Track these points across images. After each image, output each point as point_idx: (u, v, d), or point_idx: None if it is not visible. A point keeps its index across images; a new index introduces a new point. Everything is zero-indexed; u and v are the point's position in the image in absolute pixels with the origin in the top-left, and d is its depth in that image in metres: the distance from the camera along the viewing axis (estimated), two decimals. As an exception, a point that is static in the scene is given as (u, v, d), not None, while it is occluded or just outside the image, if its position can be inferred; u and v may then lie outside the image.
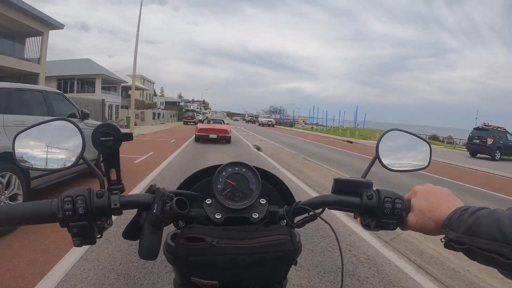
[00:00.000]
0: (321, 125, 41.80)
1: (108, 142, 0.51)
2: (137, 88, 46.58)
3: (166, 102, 68.95)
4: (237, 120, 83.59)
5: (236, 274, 0.48)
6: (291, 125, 42.44)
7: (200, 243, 0.47)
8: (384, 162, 0.57)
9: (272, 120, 38.90)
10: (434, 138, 24.44)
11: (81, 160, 0.51)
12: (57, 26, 15.21)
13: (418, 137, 0.60)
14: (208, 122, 14.33)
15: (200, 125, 12.59)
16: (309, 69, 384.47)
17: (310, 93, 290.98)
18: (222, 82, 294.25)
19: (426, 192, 0.48)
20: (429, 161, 0.59)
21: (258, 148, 10.13)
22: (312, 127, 37.46)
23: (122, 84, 34.86)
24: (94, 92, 27.72)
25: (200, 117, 37.58)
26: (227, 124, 14.05)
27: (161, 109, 41.46)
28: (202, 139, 11.24)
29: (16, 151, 0.50)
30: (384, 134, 0.57)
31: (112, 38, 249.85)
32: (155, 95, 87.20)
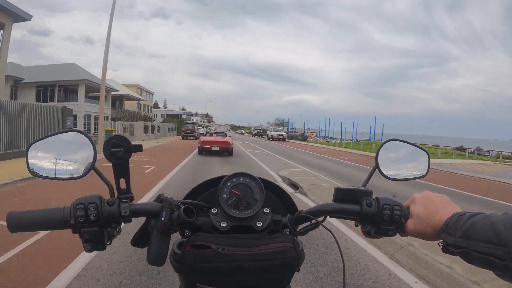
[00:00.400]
0: (332, 138, 40.00)
1: (119, 153, 0.54)
2: (132, 99, 40.77)
3: (167, 114, 68.80)
4: (242, 133, 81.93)
5: (241, 280, 0.51)
6: (304, 139, 40.20)
7: (206, 250, 0.50)
8: (384, 171, 0.60)
9: (284, 133, 35.88)
10: (461, 149, 23.58)
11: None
12: (23, 17, 13.45)
13: (417, 146, 0.64)
14: (211, 135, 15.23)
15: (202, 138, 13.49)
16: (311, 81, 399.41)
17: (314, 105, 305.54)
18: (225, 95, 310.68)
19: (424, 199, 0.51)
20: (428, 170, 0.62)
21: (293, 184, 6.38)
22: (327, 141, 35.80)
23: (112, 93, 31.68)
24: (77, 101, 25.22)
25: (202, 130, 34.62)
26: (229, 136, 14.98)
27: (160, 121, 39.37)
28: (205, 151, 12.10)
29: (29, 161, 0.54)
30: (383, 144, 0.61)
31: (117, 52, 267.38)
32: (156, 107, 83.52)
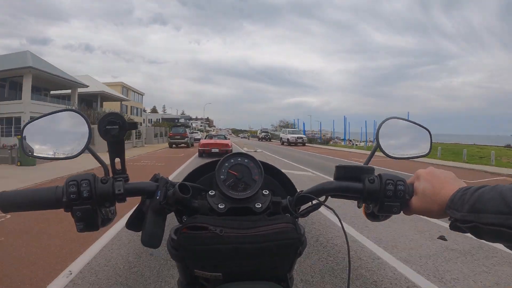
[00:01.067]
0: (350, 140, 36.28)
1: (114, 130, 0.56)
2: (111, 98, 35.54)
3: (164, 119, 66.04)
4: (245, 137, 78.96)
5: (240, 264, 0.52)
6: (326, 142, 35.08)
7: (203, 232, 0.52)
8: (385, 150, 0.63)
9: (304, 136, 30.20)
10: (509, 147, 20.66)
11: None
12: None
13: (418, 124, 0.67)
14: (210, 137, 16.80)
15: (203, 141, 15.02)
16: (312, 83, 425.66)
17: (314, 107, 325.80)
18: (226, 100, 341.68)
19: (429, 175, 0.53)
20: (430, 148, 0.65)
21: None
22: (355, 145, 31.14)
23: (81, 89, 19.45)
24: (21, 99, 20.65)
25: (199, 135, 31.94)
26: (229, 139, 16.88)
27: (148, 125, 36.29)
28: (205, 153, 13.40)
29: (23, 140, 0.58)
30: (383, 122, 0.64)
31: (116, 59, 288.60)
32: (154, 111, 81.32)
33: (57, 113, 0.59)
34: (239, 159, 0.60)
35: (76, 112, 0.58)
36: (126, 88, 45.97)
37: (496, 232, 0.39)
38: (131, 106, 46.68)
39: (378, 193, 0.55)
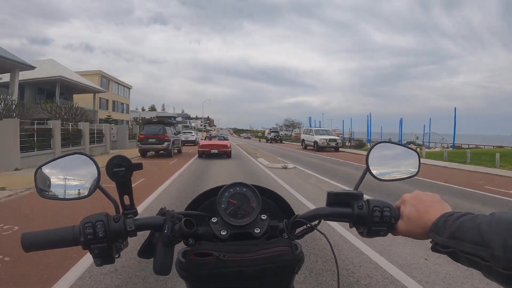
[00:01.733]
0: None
1: (120, 172, 0.63)
2: (83, 90, 28.32)
3: (158, 117, 55.08)
4: (248, 137, 75.61)
5: (243, 285, 0.61)
6: (360, 146, 28.18)
7: (208, 258, 0.60)
8: (374, 172, 0.69)
9: (337, 138, 23.39)
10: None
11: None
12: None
13: (407, 147, 0.73)
14: (210, 138, 17.99)
15: (202, 142, 15.68)
16: (312, 82, 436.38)
17: (315, 107, 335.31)
18: (226, 99, 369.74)
19: (414, 199, 0.59)
20: (418, 169, 0.72)
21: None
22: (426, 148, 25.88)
23: (21, 71, 18.32)
24: None
25: (195, 135, 27.90)
26: (228, 140, 17.61)
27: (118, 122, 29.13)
28: (205, 154, 14.03)
29: (37, 183, 0.65)
30: (372, 147, 0.71)
31: (116, 59, 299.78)
32: (153, 109, 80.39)
33: (67, 156, 0.67)
34: (238, 188, 0.68)
35: (83, 155, 0.67)
36: (106, 79, 39.98)
37: (471, 260, 0.45)
38: (113, 101, 41.00)
39: (366, 218, 0.63)
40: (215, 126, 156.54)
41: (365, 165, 0.71)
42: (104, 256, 0.59)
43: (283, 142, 37.78)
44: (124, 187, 0.65)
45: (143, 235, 0.67)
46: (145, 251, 0.65)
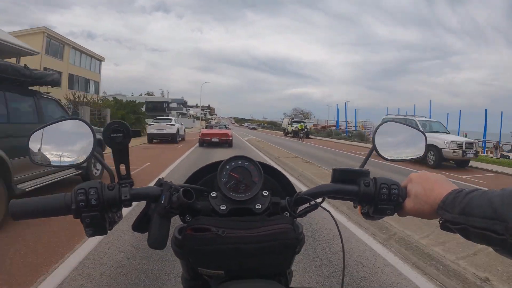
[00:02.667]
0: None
1: (118, 138, 0.61)
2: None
3: (148, 102, 53.52)
4: (253, 128, 72.14)
5: (241, 263, 0.59)
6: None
7: (206, 233, 0.59)
8: (381, 152, 0.69)
9: (474, 142, 11.08)
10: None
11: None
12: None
13: (414, 127, 0.73)
14: (211, 127, 18.05)
15: (203, 130, 15.89)
16: (314, 74, 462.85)
17: (316, 99, 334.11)
18: (227, 89, 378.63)
19: (421, 178, 0.59)
20: (425, 151, 0.71)
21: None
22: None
23: None
24: None
25: (176, 125, 16.81)
26: (229, 128, 17.79)
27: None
28: (206, 143, 14.49)
29: (30, 148, 0.63)
30: (379, 125, 0.70)
31: (118, 47, 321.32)
32: (152, 94, 71.04)
33: (62, 121, 0.65)
34: (240, 162, 0.67)
35: (80, 120, 0.65)
36: (58, 42, 27.18)
37: (483, 235, 0.45)
38: (70, 74, 28.14)
39: (373, 196, 0.61)
40: (216, 115, 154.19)
41: (372, 144, 0.70)
42: (96, 226, 0.57)
43: (310, 137, 26.53)
44: (121, 155, 0.63)
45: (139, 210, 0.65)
46: (140, 225, 0.63)
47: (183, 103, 69.17)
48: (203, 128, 19.86)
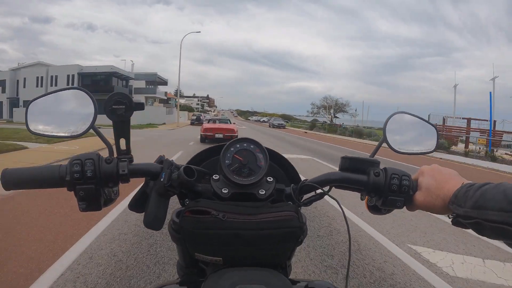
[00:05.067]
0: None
1: (120, 110, 0.60)
2: None
3: (81, 73, 36.22)
4: (281, 125, 47.05)
5: (240, 250, 0.59)
6: None
7: (205, 216, 0.57)
8: (392, 144, 0.68)
9: None
10: None
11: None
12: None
13: (425, 121, 0.72)
14: (214, 122, 17.08)
15: (205, 125, 15.25)
16: (315, 68, 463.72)
17: (317, 92, 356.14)
18: (229, 82, 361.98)
19: (433, 171, 0.59)
20: (436, 145, 0.71)
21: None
22: None
23: None
24: None
25: None
26: (234, 123, 17.62)
27: None
28: (208, 139, 14.02)
29: (28, 118, 0.63)
30: (391, 116, 0.70)
31: (119, 38, 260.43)
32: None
33: (62, 91, 0.64)
34: (245, 144, 0.65)
35: (81, 91, 0.63)
36: None
37: (498, 229, 0.44)
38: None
39: (383, 186, 0.60)
40: (216, 106, 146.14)
41: (382, 135, 0.69)
42: (90, 201, 0.56)
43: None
44: (122, 129, 0.62)
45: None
46: (137, 203, 0.62)
47: (158, 82, 45.44)
48: (204, 121, 18.74)
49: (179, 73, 35.96)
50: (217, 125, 15.19)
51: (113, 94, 0.61)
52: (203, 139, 14.14)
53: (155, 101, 45.33)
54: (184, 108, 45.93)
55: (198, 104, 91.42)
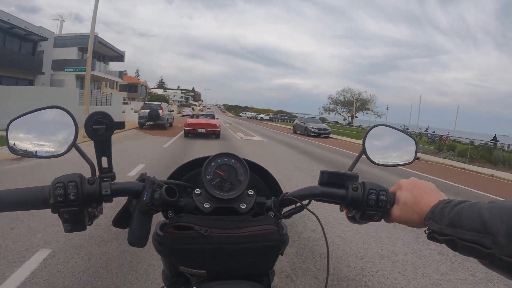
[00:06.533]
0: None
1: (100, 130, 0.62)
2: None
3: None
4: (264, 119, 45.03)
5: (223, 263, 0.61)
6: None
7: (188, 232, 0.60)
8: (371, 157, 0.71)
9: None
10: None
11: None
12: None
13: (405, 133, 0.75)
14: (197, 117, 17.35)
15: (189, 120, 15.55)
16: (302, 65, 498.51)
17: (303, 90, 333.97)
18: (216, 77, 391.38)
19: (410, 185, 0.61)
20: (414, 157, 0.74)
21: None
22: None
23: None
24: None
25: None
26: (217, 118, 17.44)
27: None
28: (191, 133, 14.58)
29: (9, 137, 0.64)
30: (370, 129, 0.72)
31: (106, 30, 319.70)
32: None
33: (43, 110, 0.65)
34: (226, 159, 0.68)
35: (62, 109, 0.65)
36: None
37: (470, 248, 0.47)
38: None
39: (361, 201, 0.63)
40: (202, 101, 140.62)
41: (362, 147, 0.71)
42: (75, 222, 0.58)
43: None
44: (103, 148, 0.63)
45: (120, 204, 0.65)
46: (121, 220, 0.64)
47: (109, 57, 31.29)
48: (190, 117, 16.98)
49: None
50: (200, 120, 15.47)
51: (93, 114, 0.62)
52: (187, 134, 14.41)
53: (103, 86, 31.09)
54: (158, 100, 33.21)
55: (181, 97, 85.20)
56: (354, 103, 44.45)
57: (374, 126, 0.74)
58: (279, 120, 51.04)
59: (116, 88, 37.29)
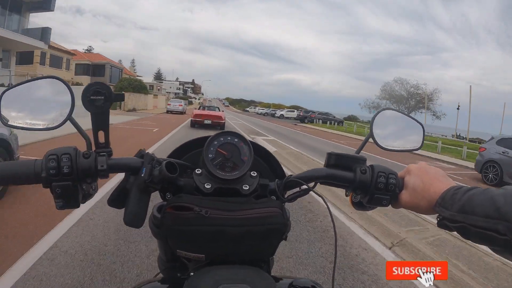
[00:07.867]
0: None
1: (98, 101, 0.60)
2: None
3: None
4: (281, 115, 36.58)
5: (223, 246, 0.60)
6: None
7: (187, 212, 0.58)
8: (378, 141, 0.71)
9: None
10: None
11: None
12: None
13: (412, 118, 0.75)
14: (203, 108, 19.92)
15: (195, 111, 17.84)
16: (303, 61, 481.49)
17: (305, 85, 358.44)
18: (217, 71, 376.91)
19: (420, 170, 0.61)
20: (422, 143, 0.73)
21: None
22: None
23: None
24: None
25: None
26: (222, 111, 19.99)
27: None
28: (198, 124, 16.33)
29: (1, 109, 0.62)
30: (378, 113, 0.72)
31: (107, 23, 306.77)
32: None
33: (38, 80, 0.63)
34: (229, 138, 0.66)
35: (58, 80, 0.63)
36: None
37: (484, 235, 0.46)
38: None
39: (369, 184, 0.63)
40: (202, 94, 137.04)
41: (369, 131, 0.71)
42: (67, 198, 0.56)
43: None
44: (100, 121, 0.61)
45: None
46: (117, 199, 0.62)
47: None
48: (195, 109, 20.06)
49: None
50: (206, 112, 17.76)
51: (91, 84, 0.60)
52: (193, 124, 16.52)
53: (36, 62, 22.92)
54: (132, 85, 26.75)
55: (178, 89, 79.12)
56: (426, 100, 34.33)
57: (382, 110, 0.74)
58: (319, 121, 35.46)
59: (69, 69, 28.58)
